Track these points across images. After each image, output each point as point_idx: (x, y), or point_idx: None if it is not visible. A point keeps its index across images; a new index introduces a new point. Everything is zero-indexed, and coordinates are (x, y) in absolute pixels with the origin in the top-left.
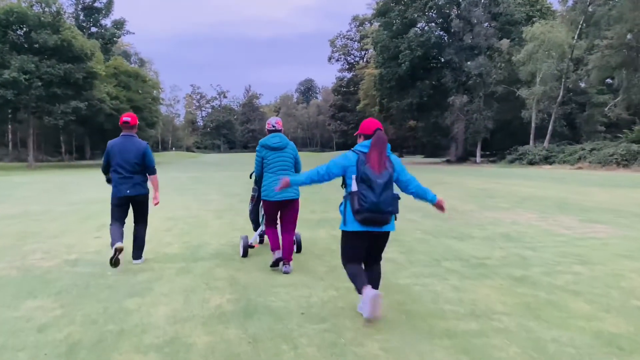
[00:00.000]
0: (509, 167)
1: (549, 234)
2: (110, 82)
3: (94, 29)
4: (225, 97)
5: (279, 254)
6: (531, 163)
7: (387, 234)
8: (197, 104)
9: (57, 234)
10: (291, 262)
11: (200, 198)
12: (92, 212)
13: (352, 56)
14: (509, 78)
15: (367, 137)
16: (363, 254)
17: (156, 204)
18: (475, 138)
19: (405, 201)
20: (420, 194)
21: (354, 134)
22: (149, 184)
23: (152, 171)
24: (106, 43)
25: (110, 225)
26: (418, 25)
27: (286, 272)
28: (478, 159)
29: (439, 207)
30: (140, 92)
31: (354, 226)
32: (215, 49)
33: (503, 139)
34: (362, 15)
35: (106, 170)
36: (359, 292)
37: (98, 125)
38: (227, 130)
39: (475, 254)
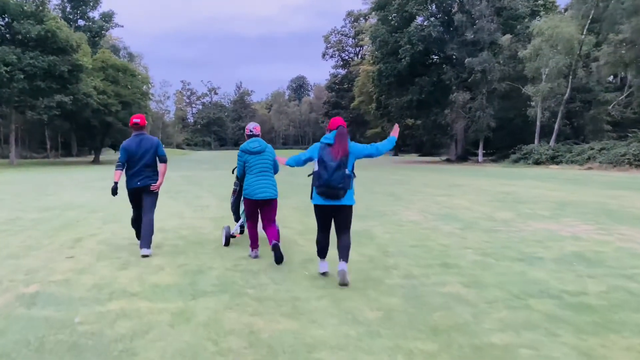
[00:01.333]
0: (515, 167)
1: (633, 254)
2: (98, 76)
3: (81, 22)
4: (216, 93)
5: (256, 253)
6: (537, 163)
7: (346, 207)
8: (188, 101)
9: (18, 253)
10: (280, 243)
11: (194, 203)
12: (68, 221)
13: (346, 52)
14: (512, 75)
15: (331, 131)
16: (329, 224)
17: (153, 190)
18: (477, 136)
19: (439, 209)
20: (387, 146)
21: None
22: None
23: (163, 160)
24: (94, 36)
25: (132, 219)
26: (418, 20)
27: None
28: (480, 158)
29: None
30: (129, 87)
31: (317, 200)
32: (204, 46)
33: (503, 138)
34: (357, 11)
35: (124, 166)
36: (319, 256)
37: (84, 120)
38: (218, 127)
39: (563, 286)
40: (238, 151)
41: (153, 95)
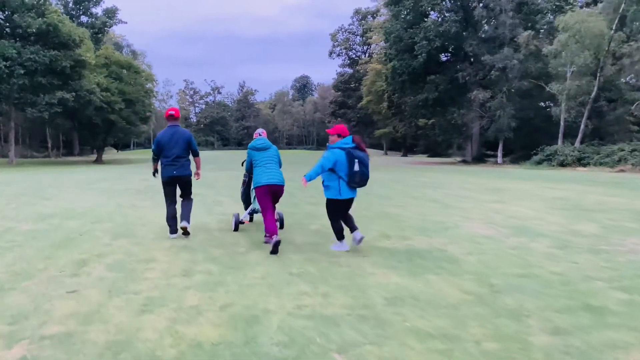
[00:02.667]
0: (539, 169)
1: None
2: (101, 73)
3: (84, 18)
4: (219, 92)
5: (277, 238)
6: (562, 164)
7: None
8: (190, 100)
9: (3, 284)
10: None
11: (216, 210)
12: (68, 234)
13: (353, 51)
14: (533, 72)
15: (343, 137)
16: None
17: (198, 179)
18: (497, 137)
19: (505, 220)
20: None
21: (327, 132)
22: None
23: (196, 154)
24: (97, 32)
25: (167, 207)
26: (432, 15)
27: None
28: (499, 159)
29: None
30: (133, 84)
31: (348, 194)
32: (205, 46)
33: (520, 138)
34: (365, 8)
35: (157, 156)
36: (338, 239)
37: (87, 118)
38: (221, 126)
39: None
40: (247, 150)
41: (157, 93)
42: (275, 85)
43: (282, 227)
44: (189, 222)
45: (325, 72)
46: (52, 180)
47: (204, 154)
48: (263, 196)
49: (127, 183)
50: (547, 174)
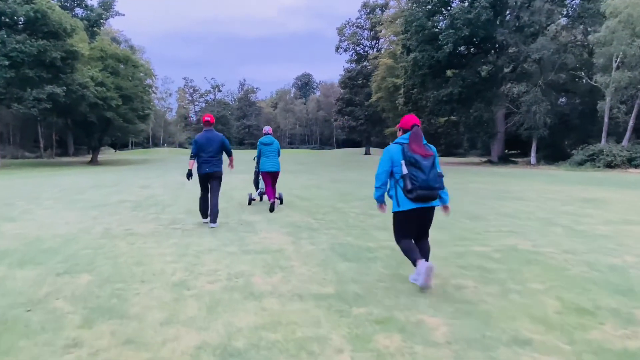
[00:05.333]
0: (584, 171)
1: None
2: (96, 66)
3: (79, 11)
4: (219, 91)
5: (273, 199)
6: (610, 166)
7: (433, 208)
8: (190, 98)
9: None
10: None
11: (246, 242)
12: (4, 312)
13: (361, 46)
14: (570, 64)
15: (405, 131)
16: (415, 230)
17: (231, 169)
18: (531, 135)
19: None
20: (441, 190)
21: (396, 128)
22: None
23: (230, 153)
24: (92, 25)
25: (200, 198)
26: (455, 1)
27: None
28: (532, 159)
29: (446, 209)
30: (130, 79)
31: (407, 205)
32: (204, 47)
33: (552, 136)
34: (373, 1)
35: (194, 155)
36: (414, 264)
37: (81, 116)
38: (222, 125)
39: None
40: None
41: (157, 89)
42: (275, 86)
43: (281, 202)
44: (216, 221)
45: (326, 71)
46: (32, 187)
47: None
48: (266, 177)
49: (123, 192)
50: (602, 176)
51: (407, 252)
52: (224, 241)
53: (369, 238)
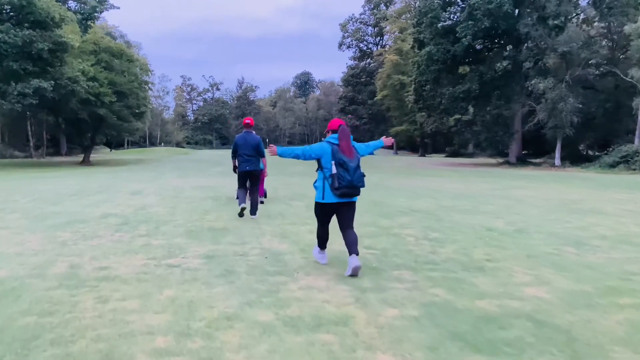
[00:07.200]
0: (618, 174)
1: None
2: (88, 60)
3: (72, 4)
4: (218, 89)
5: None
6: None
7: (355, 202)
8: (188, 97)
9: None
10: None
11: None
12: None
13: (365, 42)
14: (598, 58)
15: (334, 131)
16: (330, 219)
17: (264, 177)
18: (556, 134)
19: None
20: (372, 148)
21: (324, 132)
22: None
23: (263, 155)
24: (86, 19)
25: (237, 189)
26: None
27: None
28: (557, 161)
29: (388, 144)
30: (125, 74)
31: (332, 199)
32: (200, 47)
33: (576, 135)
34: None
35: (235, 155)
36: (322, 247)
37: (72, 113)
38: (220, 124)
39: None
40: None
41: (154, 85)
42: (273, 85)
43: (265, 196)
44: (256, 214)
45: (323, 71)
46: (2, 193)
47: (204, 153)
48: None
49: (109, 201)
50: None
51: (320, 237)
52: (247, 296)
53: (470, 290)
